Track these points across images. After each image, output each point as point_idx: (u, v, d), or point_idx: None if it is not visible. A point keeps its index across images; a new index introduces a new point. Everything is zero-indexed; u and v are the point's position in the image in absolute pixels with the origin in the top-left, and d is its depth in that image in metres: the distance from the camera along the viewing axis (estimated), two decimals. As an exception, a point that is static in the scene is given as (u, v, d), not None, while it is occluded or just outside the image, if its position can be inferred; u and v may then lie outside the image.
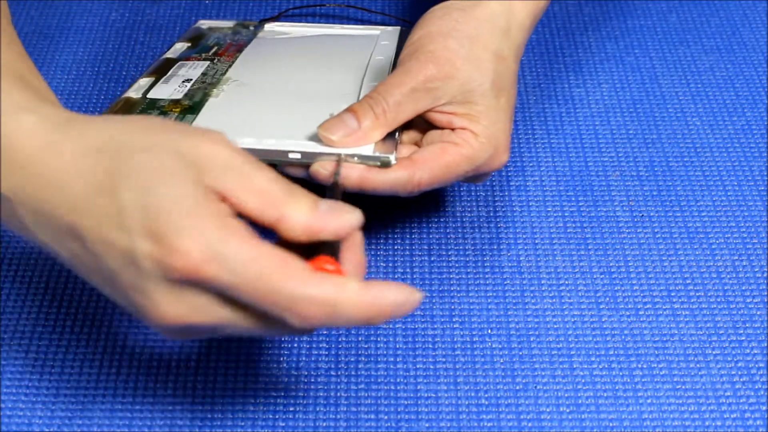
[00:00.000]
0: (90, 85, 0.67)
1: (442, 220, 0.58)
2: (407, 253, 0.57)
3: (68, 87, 0.66)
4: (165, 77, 0.58)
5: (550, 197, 0.60)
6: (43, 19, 0.72)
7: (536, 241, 0.57)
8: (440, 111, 0.51)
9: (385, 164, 0.49)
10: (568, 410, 0.50)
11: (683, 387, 0.51)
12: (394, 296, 0.39)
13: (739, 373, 0.51)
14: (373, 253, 0.57)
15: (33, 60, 0.48)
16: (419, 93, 0.50)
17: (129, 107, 0.54)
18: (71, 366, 0.51)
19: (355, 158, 0.49)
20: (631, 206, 0.59)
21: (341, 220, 0.41)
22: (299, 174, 0.50)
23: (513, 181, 0.61)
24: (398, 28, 0.65)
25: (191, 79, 0.58)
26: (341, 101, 0.52)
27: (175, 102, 0.55)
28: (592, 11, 0.73)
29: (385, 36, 0.64)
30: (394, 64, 0.58)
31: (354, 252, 0.43)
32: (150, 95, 0.56)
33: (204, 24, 0.69)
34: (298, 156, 0.49)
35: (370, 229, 0.58)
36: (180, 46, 0.63)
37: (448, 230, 0.58)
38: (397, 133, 0.51)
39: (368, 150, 0.49)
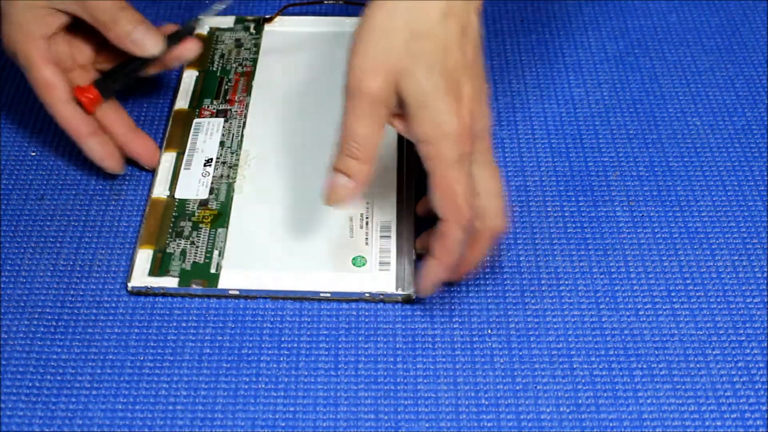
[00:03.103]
0: (90, 85, 0.67)
1: (442, 220, 0.58)
2: (407, 253, 0.57)
3: (68, 87, 0.66)
4: (185, 158, 0.60)
5: (550, 197, 0.60)
6: (43, 19, 0.72)
7: (536, 241, 0.57)
8: (396, 117, 0.48)
9: (407, 300, 0.54)
10: (568, 410, 0.50)
11: (683, 387, 0.51)
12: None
13: (739, 373, 0.51)
14: (373, 253, 0.57)
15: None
16: (374, 106, 0.47)
17: (163, 210, 0.57)
18: (71, 366, 0.51)
19: (381, 296, 0.54)
20: (631, 206, 0.59)
21: (141, 48, 0.58)
22: None
23: (513, 181, 0.61)
24: None
25: (211, 159, 0.60)
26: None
27: (204, 204, 0.58)
28: (592, 11, 0.73)
29: None
30: None
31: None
32: (177, 195, 0.58)
33: (205, 25, 0.69)
34: (329, 295, 0.54)
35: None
36: (188, 80, 0.65)
37: (448, 230, 0.58)
38: (414, 256, 0.55)
39: (391, 288, 0.54)
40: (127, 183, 0.60)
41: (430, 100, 0.46)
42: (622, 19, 0.72)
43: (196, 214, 0.57)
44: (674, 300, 0.55)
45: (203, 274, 0.54)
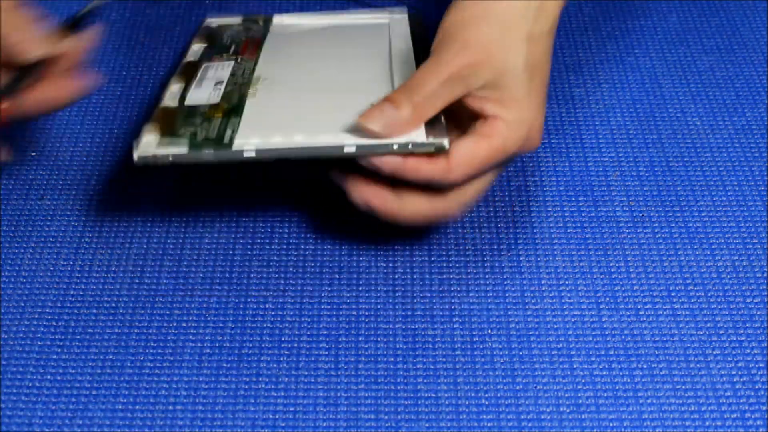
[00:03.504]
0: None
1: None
2: (407, 253, 0.57)
3: (68, 87, 0.66)
4: (195, 81, 0.58)
5: (550, 197, 0.60)
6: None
7: (536, 241, 0.57)
8: (473, 96, 0.51)
9: (440, 149, 0.49)
10: (568, 410, 0.50)
11: (683, 387, 0.51)
12: None
13: (739, 373, 0.51)
14: (373, 253, 0.57)
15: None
16: (454, 81, 0.50)
17: (171, 116, 0.54)
18: (71, 366, 0.52)
19: (410, 146, 0.49)
20: (631, 206, 0.59)
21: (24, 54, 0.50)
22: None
23: (513, 181, 0.61)
24: (404, 9, 0.66)
25: (222, 81, 0.58)
26: (377, 91, 0.52)
27: (215, 106, 0.55)
28: (592, 11, 0.73)
29: (396, 23, 0.64)
30: (414, 50, 0.59)
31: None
32: (187, 102, 0.55)
33: (213, 22, 0.69)
34: (353, 149, 0.50)
35: (370, 228, 0.58)
36: (197, 48, 0.64)
37: (448, 230, 0.58)
38: (442, 118, 0.51)
39: (422, 137, 0.50)
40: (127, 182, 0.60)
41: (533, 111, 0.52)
42: (622, 19, 0.72)
43: (208, 111, 0.54)
44: (674, 300, 0.55)
45: (216, 145, 0.51)
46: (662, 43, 0.70)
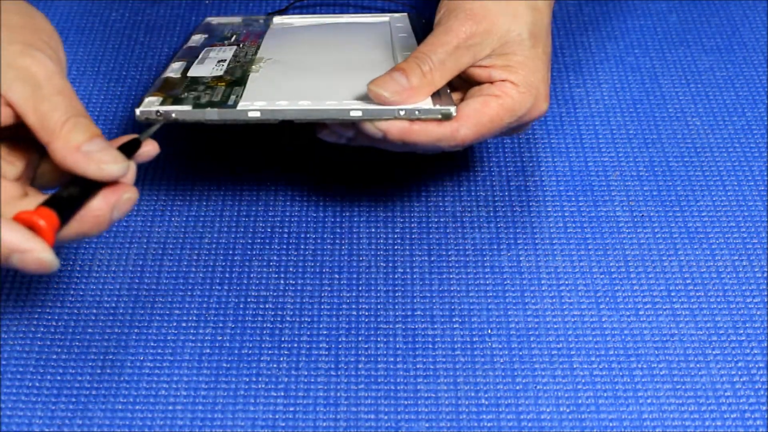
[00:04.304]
0: (90, 85, 0.67)
1: (442, 220, 0.59)
2: (407, 253, 0.57)
3: (68, 87, 0.66)
4: (198, 60, 0.58)
5: (550, 197, 0.60)
6: (43, 19, 0.72)
7: (536, 241, 0.57)
8: (480, 66, 0.52)
9: (446, 116, 0.50)
10: (568, 410, 0.50)
11: (683, 387, 0.51)
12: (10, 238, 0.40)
13: (739, 373, 0.51)
14: (373, 253, 0.57)
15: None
16: (461, 50, 0.51)
17: (171, 85, 0.54)
18: (71, 366, 0.51)
19: (417, 113, 0.50)
20: (631, 206, 0.59)
21: (97, 164, 0.42)
22: (338, 138, 0.53)
23: (513, 181, 0.61)
24: (405, 14, 0.66)
25: (225, 60, 0.58)
26: (381, 70, 0.52)
27: (218, 78, 0.55)
28: (592, 11, 0.73)
29: (397, 20, 0.65)
30: (416, 38, 0.60)
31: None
32: (190, 74, 0.55)
33: (213, 20, 0.69)
34: (359, 114, 0.50)
35: (370, 228, 0.58)
36: (198, 38, 0.63)
37: (448, 230, 0.58)
38: (448, 90, 0.52)
39: (428, 104, 0.50)
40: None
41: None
42: (622, 19, 0.72)
43: (211, 81, 0.54)
44: (674, 300, 0.55)
45: (220, 106, 0.51)
46: (662, 43, 0.70)
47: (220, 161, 0.62)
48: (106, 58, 0.69)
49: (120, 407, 0.50)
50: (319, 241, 0.58)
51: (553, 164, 0.62)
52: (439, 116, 0.50)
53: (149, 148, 0.47)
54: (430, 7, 0.67)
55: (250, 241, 0.57)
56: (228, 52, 0.59)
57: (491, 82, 0.52)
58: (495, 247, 0.57)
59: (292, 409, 0.50)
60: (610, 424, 0.49)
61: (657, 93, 0.66)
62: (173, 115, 0.50)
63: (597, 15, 0.72)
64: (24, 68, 0.43)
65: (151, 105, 0.50)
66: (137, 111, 0.50)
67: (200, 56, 0.59)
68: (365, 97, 0.51)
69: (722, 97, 0.66)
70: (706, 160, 0.62)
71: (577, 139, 0.63)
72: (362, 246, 0.57)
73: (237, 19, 0.68)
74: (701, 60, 0.69)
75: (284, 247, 0.57)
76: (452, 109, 0.50)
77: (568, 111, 0.65)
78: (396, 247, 0.57)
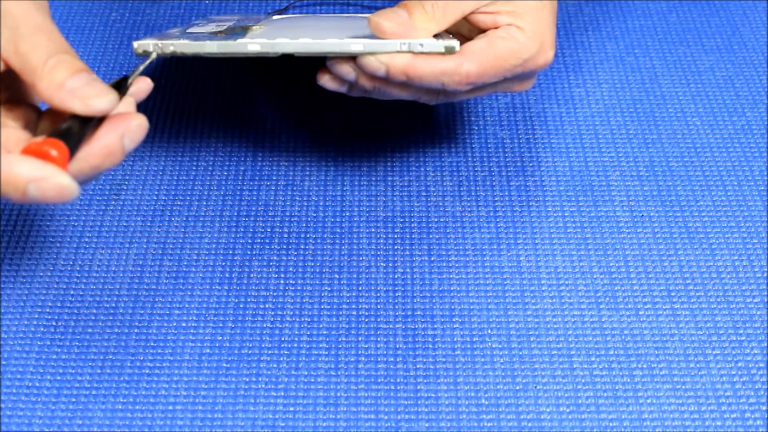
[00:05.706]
0: (90, 85, 0.67)
1: (442, 219, 0.59)
2: (407, 253, 0.57)
3: (68, 87, 0.66)
4: (198, 23, 0.58)
5: (550, 197, 0.60)
6: (43, 19, 0.72)
7: (536, 241, 0.57)
8: (484, 12, 0.51)
9: (450, 51, 0.50)
10: (568, 410, 0.50)
11: (683, 387, 0.51)
12: (28, 171, 0.39)
13: (739, 373, 0.51)
14: (373, 253, 0.57)
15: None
16: None
17: (173, 35, 0.54)
18: (71, 366, 0.51)
19: (420, 46, 0.49)
20: (631, 206, 0.59)
21: (82, 100, 0.41)
22: (340, 86, 0.52)
23: (513, 181, 0.61)
24: None
25: (225, 23, 0.57)
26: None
27: (218, 33, 0.54)
28: (592, 11, 0.73)
29: None
30: None
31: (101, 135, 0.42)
32: (189, 31, 0.55)
33: (214, 18, 0.69)
34: (361, 47, 0.50)
35: (370, 228, 0.58)
36: (197, 22, 0.64)
37: (448, 230, 0.58)
38: (451, 35, 0.52)
39: (431, 38, 0.50)
40: (127, 182, 0.60)
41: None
42: (622, 19, 0.72)
43: (210, 34, 0.54)
44: (674, 300, 0.55)
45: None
46: (662, 43, 0.70)
47: (220, 161, 0.62)
48: (106, 58, 0.69)
49: (120, 407, 0.50)
50: (319, 241, 0.58)
51: (553, 164, 0.62)
52: (443, 50, 0.50)
53: (142, 84, 0.47)
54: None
55: (250, 241, 0.57)
56: (228, 21, 0.59)
57: (496, 28, 0.51)
58: (495, 247, 0.57)
59: (292, 409, 0.50)
60: (610, 424, 0.49)
61: (657, 93, 0.66)
62: (171, 47, 0.49)
63: (597, 15, 0.72)
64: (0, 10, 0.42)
65: (149, 40, 0.50)
66: (135, 44, 0.49)
67: (200, 23, 0.59)
68: (367, 38, 0.50)
69: (722, 97, 0.66)
70: (706, 159, 0.62)
71: (577, 139, 0.63)
72: (362, 246, 0.57)
73: (236, 17, 0.69)
74: (701, 60, 0.69)
75: (284, 247, 0.57)
76: (456, 43, 0.50)
77: (568, 111, 0.65)
78: (396, 247, 0.57)
